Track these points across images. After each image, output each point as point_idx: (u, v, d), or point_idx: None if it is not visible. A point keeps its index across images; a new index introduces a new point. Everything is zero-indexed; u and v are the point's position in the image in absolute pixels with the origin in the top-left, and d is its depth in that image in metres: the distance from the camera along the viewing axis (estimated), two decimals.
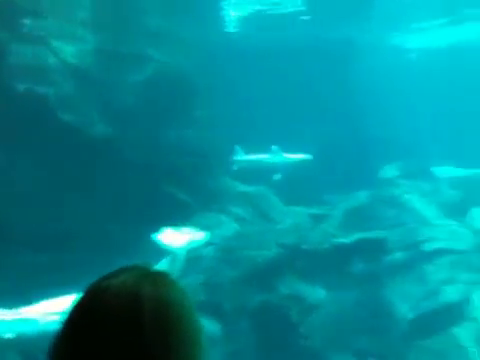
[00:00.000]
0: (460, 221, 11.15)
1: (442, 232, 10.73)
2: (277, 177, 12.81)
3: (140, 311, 1.22)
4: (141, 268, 1.33)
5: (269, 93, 13.34)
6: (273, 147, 13.25)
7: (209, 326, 8.72)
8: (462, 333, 9.71)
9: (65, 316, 1.28)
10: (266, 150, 13.38)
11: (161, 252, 9.63)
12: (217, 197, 11.10)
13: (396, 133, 13.62)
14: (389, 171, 12.21)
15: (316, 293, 9.99)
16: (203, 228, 10.08)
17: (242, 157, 13.22)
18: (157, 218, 9.89)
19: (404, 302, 9.92)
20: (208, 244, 10.03)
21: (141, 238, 9.49)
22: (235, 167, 12.82)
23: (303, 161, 13.20)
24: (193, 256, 9.93)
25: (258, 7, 14.20)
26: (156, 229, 9.85)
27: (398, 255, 10.28)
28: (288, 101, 13.60)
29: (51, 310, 7.83)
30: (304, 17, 14.29)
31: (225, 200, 11.14)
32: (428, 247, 10.40)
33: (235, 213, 11.04)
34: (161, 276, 1.32)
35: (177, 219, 10.10)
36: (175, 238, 9.87)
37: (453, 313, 9.91)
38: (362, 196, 11.50)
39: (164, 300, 1.26)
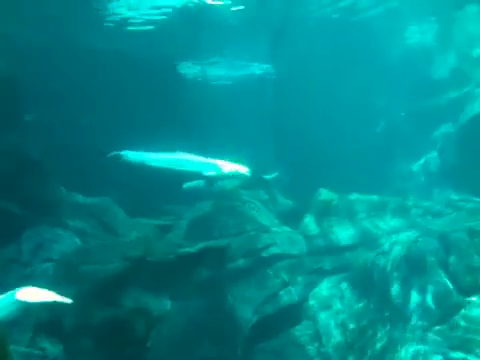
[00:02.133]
0: (294, 227, 12.03)
1: (280, 238, 11.47)
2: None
3: None
4: None
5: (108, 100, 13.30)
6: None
7: (49, 347, 8.26)
8: (300, 332, 10.39)
9: None
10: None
11: None
12: (53, 209, 10.55)
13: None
14: (230, 182, 12.74)
15: (162, 304, 9.98)
16: (37, 243, 9.54)
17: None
18: None
19: (247, 307, 10.32)
20: (46, 260, 9.51)
21: None
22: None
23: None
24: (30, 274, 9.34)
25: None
26: None
27: (240, 262, 10.71)
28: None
29: None
30: None
31: (62, 213, 10.65)
32: (267, 253, 11.02)
33: (74, 226, 10.61)
34: None
35: (5, 235, 9.41)
36: None
37: (292, 314, 10.58)
38: (205, 206, 11.85)
39: None
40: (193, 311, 10.03)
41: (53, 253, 9.84)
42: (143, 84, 14.45)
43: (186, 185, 12.16)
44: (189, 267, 10.26)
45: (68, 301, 7.51)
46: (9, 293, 7.45)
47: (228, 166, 11.42)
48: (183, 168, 11.29)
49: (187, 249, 10.46)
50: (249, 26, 14.35)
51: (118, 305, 9.67)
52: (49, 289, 7.55)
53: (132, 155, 11.47)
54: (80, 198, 11.38)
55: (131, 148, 11.37)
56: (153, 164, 11.35)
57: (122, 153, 11.49)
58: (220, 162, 11.48)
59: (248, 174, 11.53)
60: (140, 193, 12.16)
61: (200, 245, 10.48)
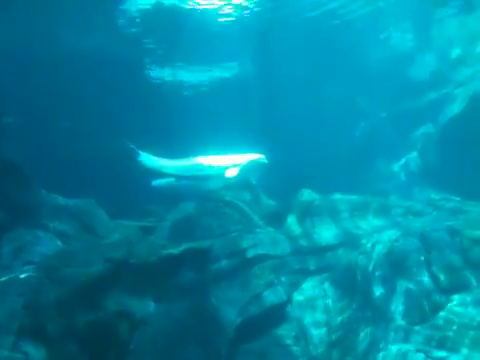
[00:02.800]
0: (278, 228, 12.06)
1: (263, 239, 11.48)
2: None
3: None
4: None
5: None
6: None
7: (33, 351, 8.14)
8: (284, 333, 10.40)
9: None
10: None
11: None
12: (33, 211, 10.40)
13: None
14: (214, 183, 12.72)
15: (145, 307, 9.90)
16: (18, 246, 9.39)
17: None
18: None
19: (231, 308, 10.29)
20: (26, 263, 9.35)
21: None
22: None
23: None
24: (11, 277, 9.17)
25: None
26: None
27: (224, 263, 10.69)
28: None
29: None
30: None
31: (43, 215, 10.50)
32: (251, 254, 11.02)
33: (55, 229, 10.47)
34: None
35: None
36: None
37: (276, 314, 10.58)
38: (189, 207, 11.80)
39: None
40: (177, 313, 9.98)
41: (34, 256, 9.67)
42: (116, 87, 14.39)
43: (155, 183, 12.14)
44: (172, 269, 10.20)
45: None
46: None
47: (244, 157, 11.70)
48: (202, 172, 11.47)
49: (170, 250, 10.39)
50: (231, 28, 14.35)
51: (101, 308, 9.55)
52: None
53: (149, 160, 11.60)
54: (61, 200, 11.21)
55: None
56: (171, 171, 11.51)
57: (140, 157, 11.63)
58: (235, 156, 11.74)
59: (265, 160, 11.66)
60: (122, 194, 12.07)
61: (183, 246, 10.43)
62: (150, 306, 9.91)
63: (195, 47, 14.91)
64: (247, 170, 11.99)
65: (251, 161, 11.98)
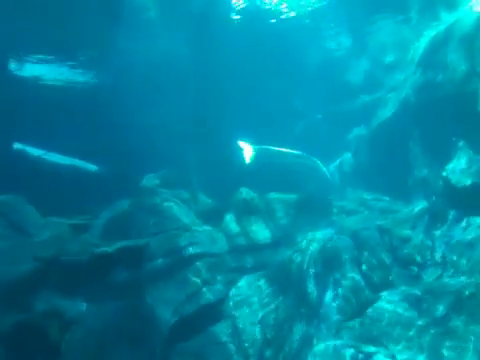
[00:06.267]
0: (216, 226, 12.05)
1: (200, 237, 11.44)
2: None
3: None
4: None
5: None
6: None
7: None
8: (220, 331, 10.41)
9: None
10: None
11: None
12: None
13: (156, 144, 14.08)
14: (150, 180, 12.55)
15: (77, 307, 9.62)
16: None
17: None
18: None
19: (167, 307, 10.20)
20: None
21: None
22: None
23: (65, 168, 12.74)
24: None
25: None
26: None
27: (159, 261, 10.56)
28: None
29: None
30: None
31: None
32: (187, 252, 10.95)
33: None
34: None
35: None
36: None
37: (213, 313, 10.57)
38: (124, 205, 11.56)
39: None
40: (110, 313, 9.76)
41: None
42: None
43: None
44: (106, 268, 9.97)
45: None
46: None
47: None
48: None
49: (103, 249, 10.17)
50: None
51: (29, 308, 9.21)
52: None
53: None
54: None
55: None
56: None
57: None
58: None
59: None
60: (54, 191, 11.64)
61: (117, 245, 10.23)
62: (82, 306, 9.65)
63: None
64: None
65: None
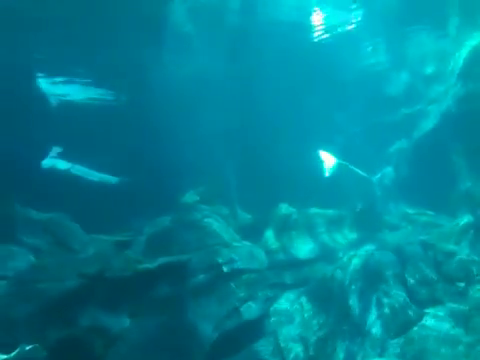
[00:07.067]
0: (255, 242, 12.04)
1: (240, 253, 11.44)
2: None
3: None
4: None
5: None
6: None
7: None
8: (261, 348, 10.35)
9: None
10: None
11: None
12: (6, 225, 10.18)
13: (196, 159, 14.21)
14: (190, 197, 12.67)
15: (120, 322, 9.74)
16: None
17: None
18: None
19: (208, 323, 10.22)
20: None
21: None
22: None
23: (107, 185, 12.96)
24: None
25: None
26: None
27: (201, 277, 10.62)
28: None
29: None
30: None
31: (16, 229, 10.30)
32: (228, 268, 10.97)
33: (28, 243, 10.28)
34: None
35: None
36: None
37: (254, 329, 10.53)
38: (165, 221, 11.70)
39: None
40: (153, 328, 9.85)
41: (7, 270, 9.48)
42: None
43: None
44: (148, 283, 10.08)
45: None
46: None
47: None
48: None
49: (146, 265, 10.29)
50: None
51: (74, 323, 9.38)
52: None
53: None
54: (34, 214, 11.03)
55: None
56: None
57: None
58: None
59: None
60: (97, 208, 11.88)
61: (160, 261, 10.34)
62: (125, 322, 9.76)
63: None
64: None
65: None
